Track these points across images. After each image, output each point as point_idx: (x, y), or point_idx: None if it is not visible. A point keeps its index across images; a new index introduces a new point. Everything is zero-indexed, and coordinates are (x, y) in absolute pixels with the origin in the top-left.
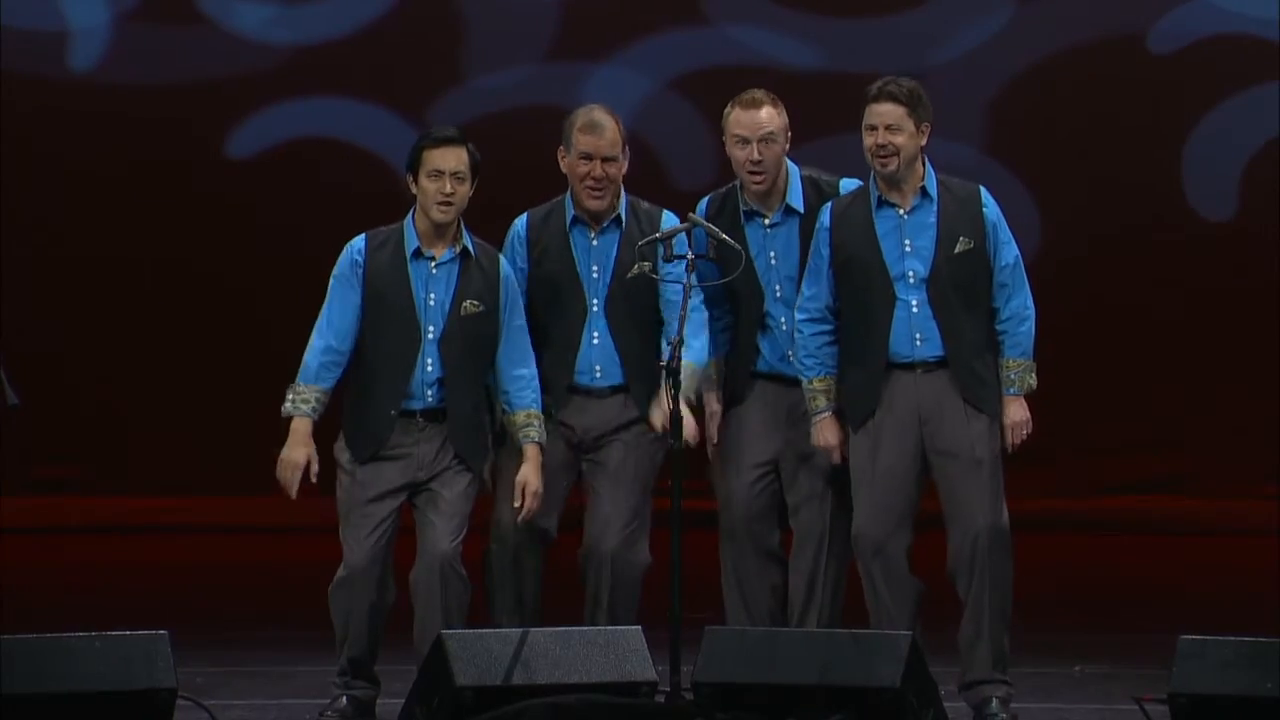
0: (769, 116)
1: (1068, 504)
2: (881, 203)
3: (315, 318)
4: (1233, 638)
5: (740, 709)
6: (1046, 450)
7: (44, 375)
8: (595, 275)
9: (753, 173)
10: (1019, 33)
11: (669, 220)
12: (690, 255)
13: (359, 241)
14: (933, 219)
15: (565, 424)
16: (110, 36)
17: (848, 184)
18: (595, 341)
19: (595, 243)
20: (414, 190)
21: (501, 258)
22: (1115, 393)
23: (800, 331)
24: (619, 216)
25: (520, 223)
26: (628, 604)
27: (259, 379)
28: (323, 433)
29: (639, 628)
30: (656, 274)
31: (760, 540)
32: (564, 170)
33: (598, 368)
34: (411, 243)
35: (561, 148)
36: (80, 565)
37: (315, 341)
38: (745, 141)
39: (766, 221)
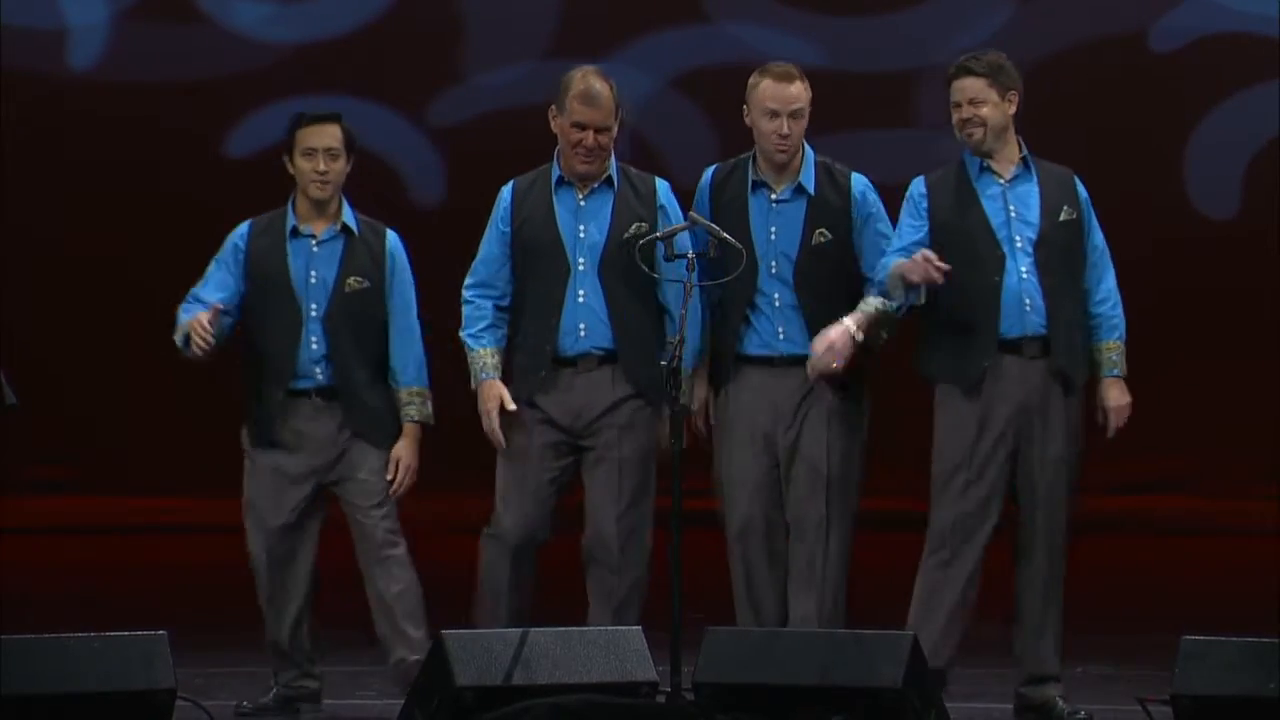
0: (799, 91)
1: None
2: (983, 170)
3: None
4: (1235, 638)
5: (741, 710)
6: None
7: (42, 374)
8: (583, 235)
9: (779, 146)
10: (1020, 31)
11: (662, 187)
12: (691, 254)
13: (243, 227)
14: (1035, 188)
15: (550, 417)
16: (109, 34)
17: (859, 177)
18: (581, 300)
19: (584, 203)
20: (291, 170)
21: (390, 234)
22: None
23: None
24: (610, 178)
25: (506, 190)
26: (634, 601)
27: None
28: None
29: (639, 628)
30: (657, 273)
31: (770, 537)
32: (554, 130)
33: (582, 327)
34: (290, 222)
35: (554, 108)
36: (78, 566)
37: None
38: (775, 114)
39: (773, 196)
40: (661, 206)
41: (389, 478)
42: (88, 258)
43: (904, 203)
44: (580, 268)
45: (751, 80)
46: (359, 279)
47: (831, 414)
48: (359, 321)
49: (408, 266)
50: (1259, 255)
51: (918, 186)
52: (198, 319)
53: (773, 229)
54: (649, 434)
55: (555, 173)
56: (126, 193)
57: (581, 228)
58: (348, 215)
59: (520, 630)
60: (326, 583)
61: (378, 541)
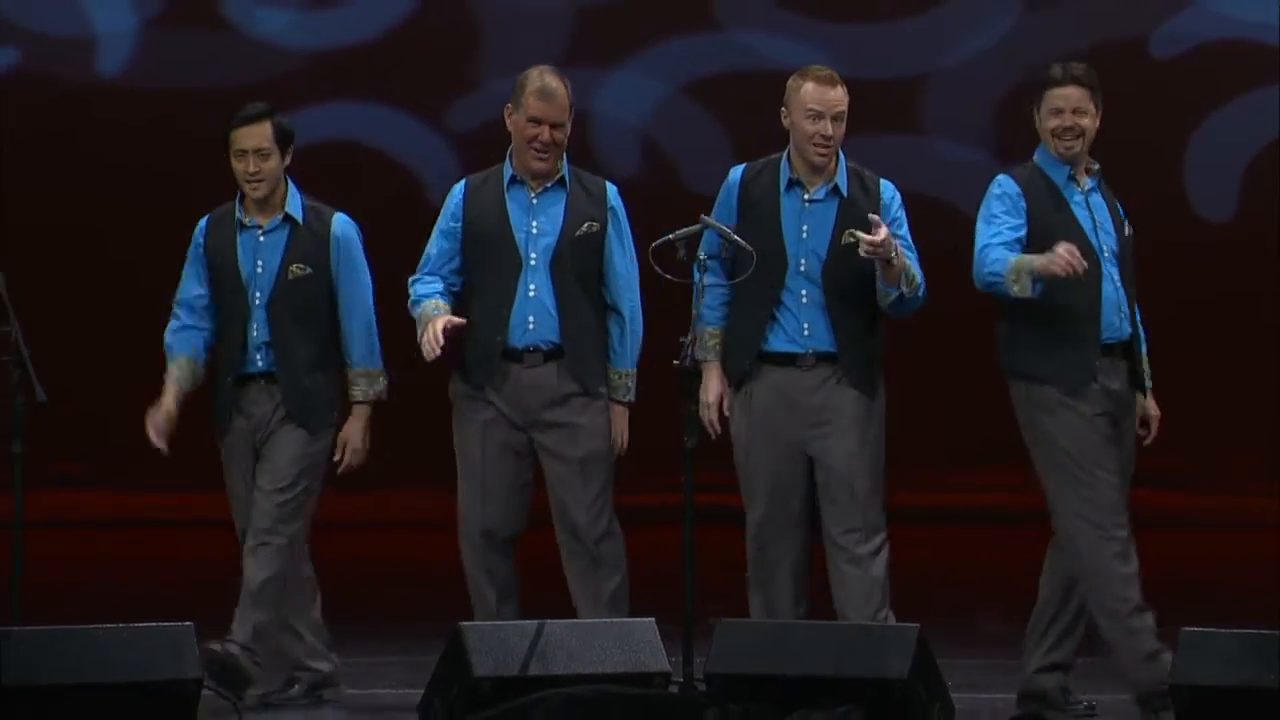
0: (841, 94)
1: None
2: (1069, 178)
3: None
4: (1233, 630)
5: (752, 700)
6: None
7: (67, 372)
8: (535, 231)
9: (821, 146)
10: (1024, 37)
11: (611, 190)
12: (702, 256)
13: (202, 222)
14: (1104, 199)
15: (501, 413)
16: (136, 41)
17: (887, 183)
18: (531, 294)
19: (535, 201)
20: (233, 169)
21: (338, 218)
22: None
23: (991, 254)
24: (563, 178)
25: (459, 187)
26: (621, 586)
27: None
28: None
29: (652, 620)
30: (672, 276)
31: (787, 534)
32: (509, 128)
33: (531, 319)
34: (238, 215)
35: (510, 106)
36: (105, 559)
37: (171, 321)
38: (819, 116)
39: (807, 196)
40: (612, 208)
41: (335, 459)
42: (113, 260)
43: (995, 199)
44: (532, 263)
45: (792, 83)
46: (301, 266)
47: (856, 420)
48: (300, 307)
49: (356, 250)
50: (1257, 257)
51: (1011, 185)
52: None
53: (805, 228)
54: (599, 428)
55: (508, 171)
56: (151, 196)
57: (534, 224)
58: (292, 204)
59: (536, 622)
60: (342, 580)
61: (260, 526)
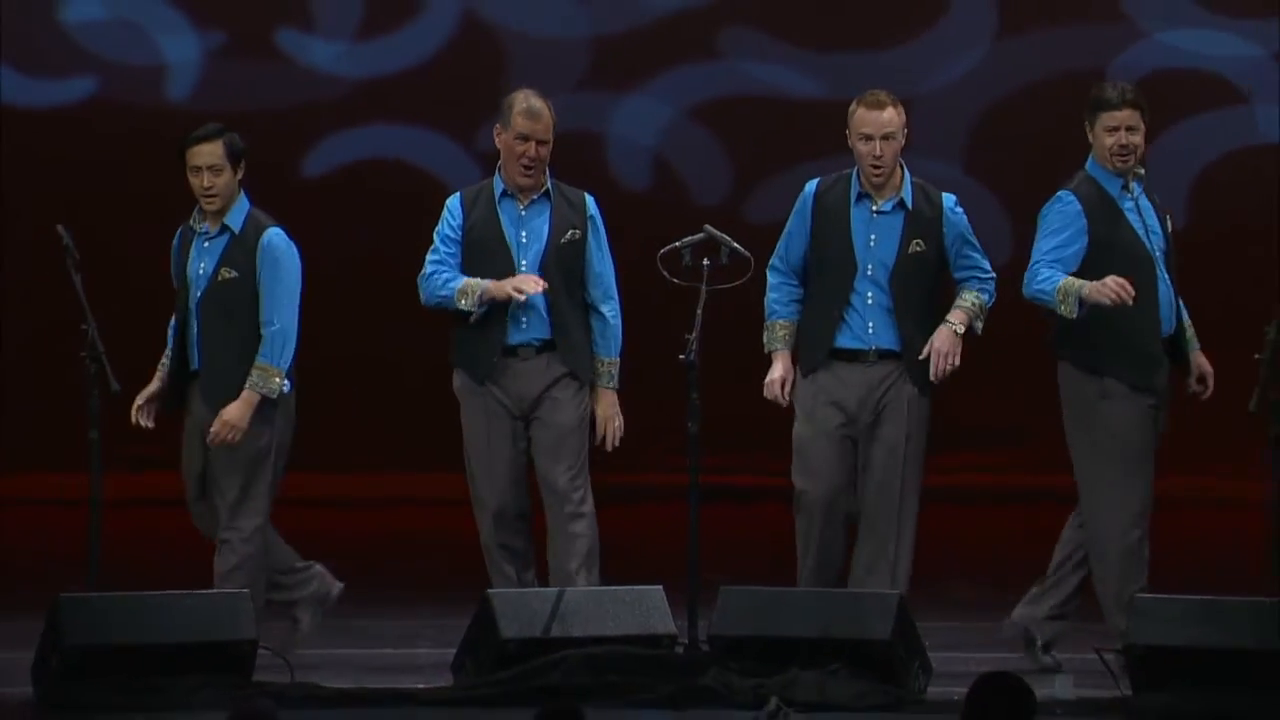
0: (891, 116)
1: (1050, 479)
2: (1123, 189)
3: (372, 308)
4: (1181, 597)
5: (750, 659)
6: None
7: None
8: (524, 240)
9: (873, 166)
10: (995, 66)
11: (590, 201)
12: (706, 262)
13: (177, 235)
14: (1151, 202)
15: (502, 403)
16: (201, 70)
17: (949, 196)
18: (523, 296)
19: (524, 213)
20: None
21: (271, 230)
22: None
23: (1042, 271)
24: (547, 191)
25: (454, 200)
26: (594, 545)
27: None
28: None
29: (660, 588)
30: (679, 279)
31: (838, 509)
32: (498, 145)
33: (524, 319)
34: (193, 223)
35: (499, 125)
36: (176, 534)
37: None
38: (869, 138)
39: (874, 207)
40: (590, 216)
41: (212, 431)
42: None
43: (1057, 214)
44: (522, 268)
45: (850, 109)
46: (229, 270)
47: (910, 403)
48: (225, 307)
49: (282, 259)
50: (1204, 261)
51: (1073, 204)
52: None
53: (872, 236)
54: (581, 405)
55: (499, 186)
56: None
57: (523, 234)
58: (233, 216)
59: (557, 590)
60: (382, 552)
61: (223, 524)
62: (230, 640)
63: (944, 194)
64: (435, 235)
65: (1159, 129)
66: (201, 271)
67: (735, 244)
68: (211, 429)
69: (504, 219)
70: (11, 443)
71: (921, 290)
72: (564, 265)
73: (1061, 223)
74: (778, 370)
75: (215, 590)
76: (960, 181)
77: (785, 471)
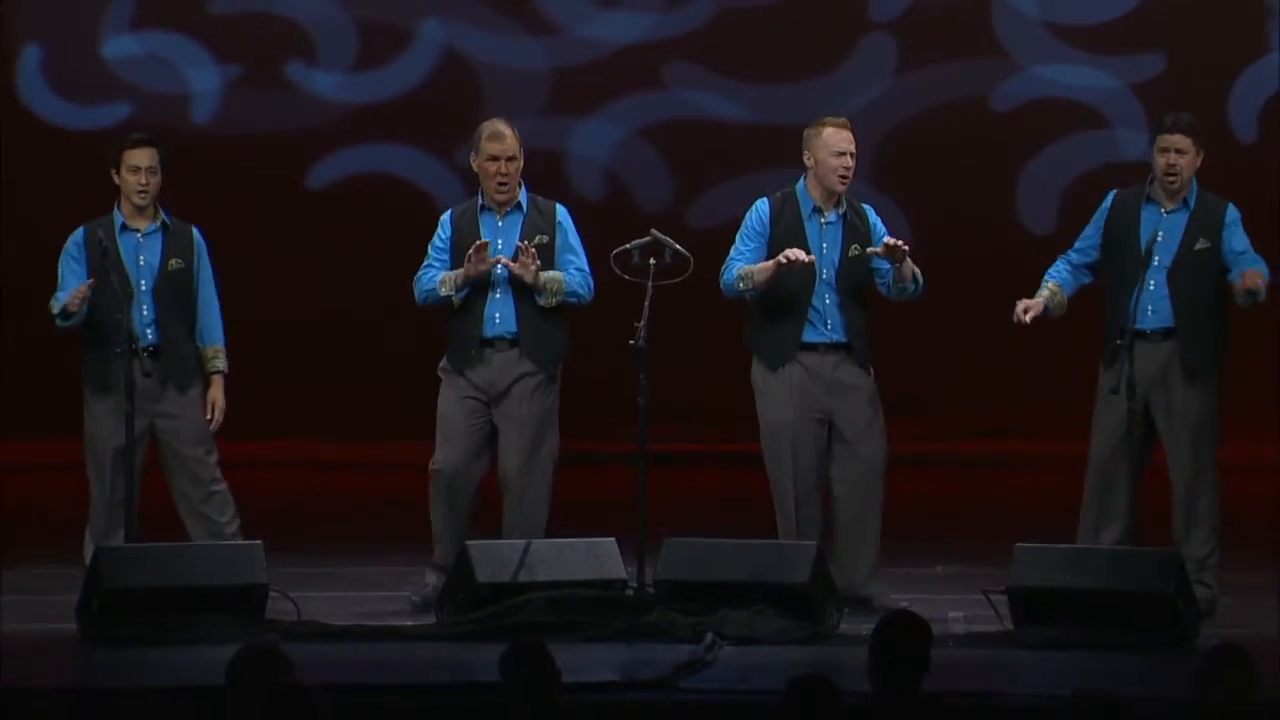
0: (852, 135)
1: (950, 446)
2: (1149, 199)
3: (367, 299)
4: (1054, 545)
5: (690, 600)
6: (920, 401)
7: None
8: (500, 247)
9: (844, 176)
10: (895, 96)
11: (560, 210)
12: (652, 261)
13: (78, 234)
14: (1184, 221)
15: (473, 383)
16: (221, 98)
17: (868, 206)
18: (497, 297)
19: (501, 224)
20: (117, 181)
21: (195, 230)
22: (983, 364)
23: (1059, 262)
24: (520, 204)
25: (446, 216)
26: (539, 512)
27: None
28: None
29: (613, 539)
30: (629, 276)
31: (817, 481)
32: (475, 170)
33: (497, 316)
34: (119, 221)
35: (473, 153)
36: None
37: (53, 307)
38: (841, 153)
39: (824, 219)
40: (559, 223)
41: (207, 418)
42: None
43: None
44: (498, 269)
45: (811, 131)
46: (178, 260)
47: (870, 396)
48: (176, 293)
49: (209, 252)
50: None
51: (1108, 200)
52: (74, 292)
53: (824, 244)
54: (546, 398)
55: (480, 202)
56: (235, 218)
57: (500, 242)
58: (164, 214)
59: (525, 542)
60: (378, 510)
61: (205, 479)
62: (245, 584)
63: (866, 206)
64: (429, 247)
65: (1037, 149)
66: (142, 262)
67: (677, 246)
68: (212, 420)
69: (484, 229)
70: (50, 413)
71: (861, 289)
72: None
73: (1095, 216)
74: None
75: (233, 542)
76: (869, 192)
77: (720, 439)
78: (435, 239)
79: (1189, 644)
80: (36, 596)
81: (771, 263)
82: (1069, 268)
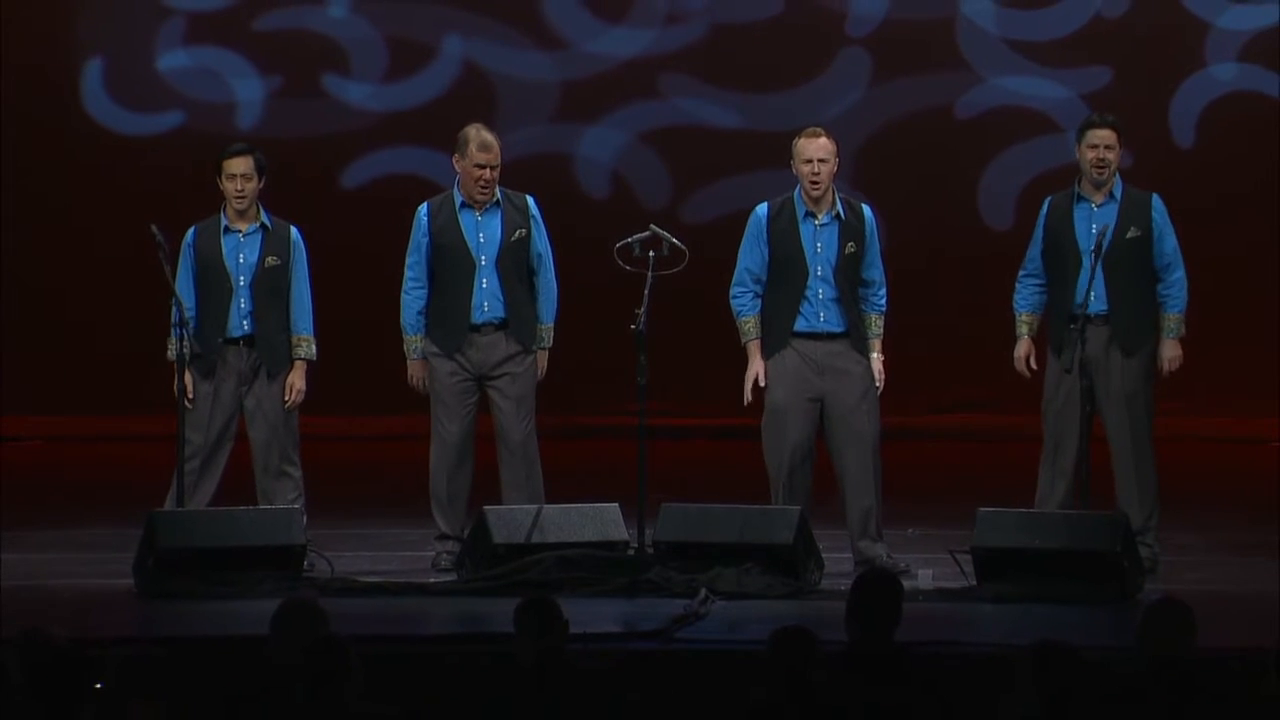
0: (824, 143)
1: (922, 420)
2: (1080, 198)
3: (396, 288)
4: (1014, 509)
5: (685, 559)
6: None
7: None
8: (482, 240)
9: (813, 182)
10: (867, 105)
11: (531, 202)
12: (652, 253)
13: (189, 234)
14: (1115, 213)
15: (464, 363)
16: (264, 106)
17: (866, 206)
18: (484, 286)
19: (480, 218)
20: (221, 187)
21: (293, 229)
22: (952, 347)
23: (1022, 282)
24: (498, 200)
25: (423, 209)
26: (535, 476)
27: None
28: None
29: (616, 505)
30: (631, 267)
31: (807, 455)
32: (458, 170)
33: (485, 304)
34: (224, 223)
35: (457, 155)
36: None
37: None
38: (809, 161)
39: (817, 221)
40: (533, 215)
41: (286, 400)
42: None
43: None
44: (482, 263)
45: (793, 142)
46: (274, 258)
47: (863, 378)
48: (272, 287)
49: (305, 250)
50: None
51: (1046, 204)
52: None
53: (818, 244)
54: (532, 376)
55: (458, 198)
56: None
57: (481, 235)
58: (265, 216)
59: (537, 507)
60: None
61: (274, 461)
62: (285, 545)
63: (864, 206)
64: (409, 246)
65: (995, 152)
66: (242, 260)
67: (674, 239)
68: (290, 400)
69: (464, 226)
70: (106, 390)
71: (854, 283)
72: (515, 257)
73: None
74: (755, 367)
75: (274, 507)
76: (847, 192)
77: (712, 414)
78: (414, 235)
79: (1133, 598)
80: (103, 554)
81: (750, 375)
82: (1030, 291)
